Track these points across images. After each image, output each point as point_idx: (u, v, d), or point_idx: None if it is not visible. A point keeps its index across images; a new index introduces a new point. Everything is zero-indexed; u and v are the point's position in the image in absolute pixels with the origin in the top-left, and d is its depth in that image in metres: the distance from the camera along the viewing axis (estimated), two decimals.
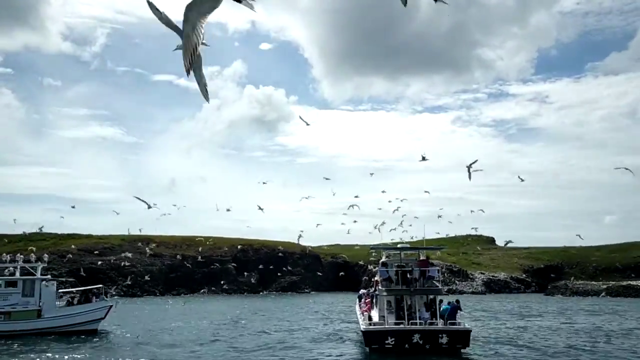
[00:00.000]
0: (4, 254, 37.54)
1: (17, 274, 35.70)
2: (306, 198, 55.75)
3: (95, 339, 32.01)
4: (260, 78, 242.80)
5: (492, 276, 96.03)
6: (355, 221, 54.43)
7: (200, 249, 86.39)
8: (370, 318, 25.96)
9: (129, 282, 75.38)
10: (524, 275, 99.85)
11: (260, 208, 52.86)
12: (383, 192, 48.42)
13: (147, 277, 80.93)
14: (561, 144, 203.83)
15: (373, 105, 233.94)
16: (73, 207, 67.55)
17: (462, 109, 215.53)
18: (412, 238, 48.33)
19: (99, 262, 78.69)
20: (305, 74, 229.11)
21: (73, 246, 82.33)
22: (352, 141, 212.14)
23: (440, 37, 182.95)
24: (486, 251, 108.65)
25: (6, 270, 37.80)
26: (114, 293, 68.53)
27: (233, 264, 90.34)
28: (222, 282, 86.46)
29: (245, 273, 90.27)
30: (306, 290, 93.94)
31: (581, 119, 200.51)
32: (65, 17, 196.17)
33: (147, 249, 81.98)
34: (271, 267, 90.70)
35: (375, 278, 28.55)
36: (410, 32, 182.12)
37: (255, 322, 41.65)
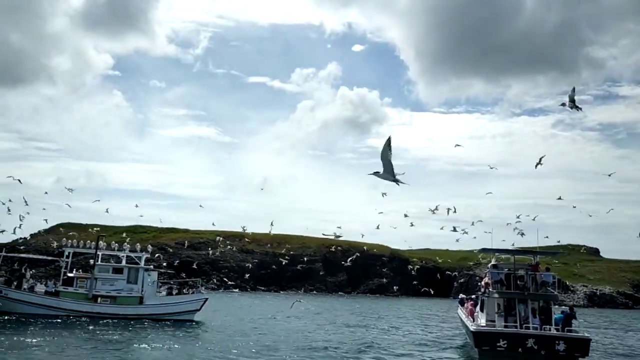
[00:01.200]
0: (113, 242, 39.80)
1: (124, 262, 37.72)
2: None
3: (191, 328, 33.03)
4: (354, 79, 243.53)
5: (596, 289, 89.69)
6: (465, 232, 47.06)
7: (289, 247, 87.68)
8: (477, 320, 25.02)
9: (222, 276, 77.78)
10: (633, 290, 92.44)
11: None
12: (488, 193, 45.43)
13: (239, 273, 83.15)
14: None
15: (468, 108, 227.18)
16: (141, 216, 71.62)
17: (564, 111, 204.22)
18: (512, 244, 46.10)
19: (195, 256, 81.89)
20: (400, 75, 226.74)
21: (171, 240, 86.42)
22: (444, 144, 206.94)
23: (546, 35, 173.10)
24: (590, 263, 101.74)
25: (112, 259, 40.21)
26: (208, 286, 70.92)
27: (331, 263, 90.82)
28: (311, 281, 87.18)
29: (334, 274, 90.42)
30: (395, 294, 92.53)
31: None
32: (170, 21, 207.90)
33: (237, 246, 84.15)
34: (360, 268, 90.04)
35: (484, 281, 27.62)
36: (514, 31, 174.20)
37: (352, 321, 41.17)
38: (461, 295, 35.18)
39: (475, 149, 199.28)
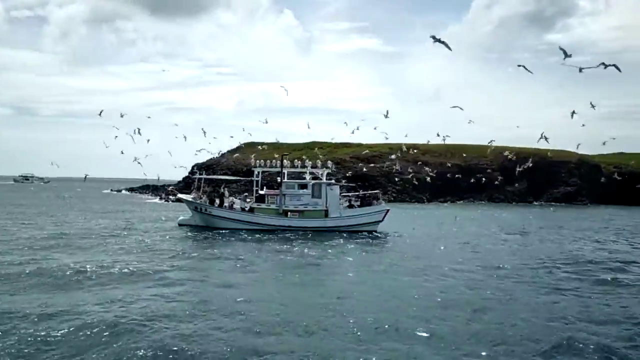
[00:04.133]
0: (296, 160, 41.76)
1: (307, 178, 39.56)
2: None
3: (377, 237, 33.94)
4: None
5: None
6: None
7: (465, 157, 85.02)
8: None
9: (398, 188, 78.53)
10: None
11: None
12: None
13: (414, 185, 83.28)
14: None
15: None
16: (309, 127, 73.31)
17: None
18: None
19: (370, 169, 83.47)
20: None
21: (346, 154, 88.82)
22: None
23: None
24: None
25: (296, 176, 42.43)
26: (384, 198, 72.26)
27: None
28: (489, 191, 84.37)
29: (513, 183, 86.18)
30: (583, 202, 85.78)
31: None
32: None
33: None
34: (542, 176, 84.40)
35: None
36: None
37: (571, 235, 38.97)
38: None
39: None
